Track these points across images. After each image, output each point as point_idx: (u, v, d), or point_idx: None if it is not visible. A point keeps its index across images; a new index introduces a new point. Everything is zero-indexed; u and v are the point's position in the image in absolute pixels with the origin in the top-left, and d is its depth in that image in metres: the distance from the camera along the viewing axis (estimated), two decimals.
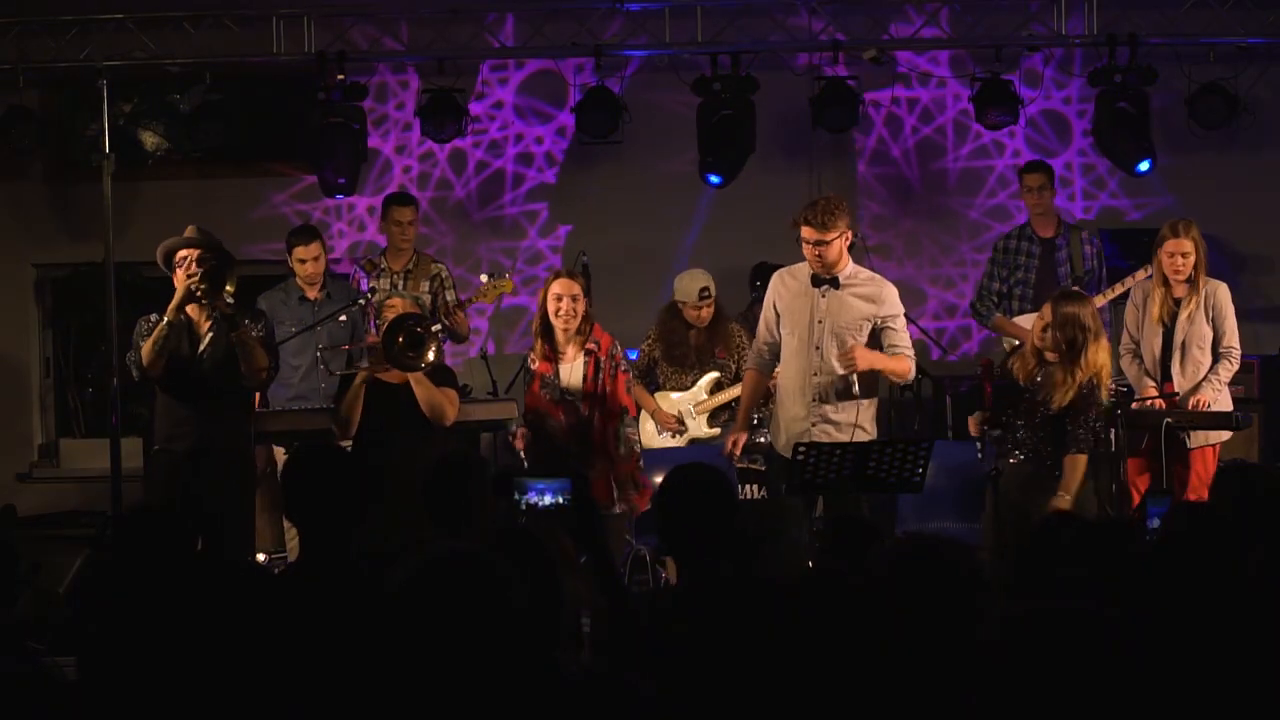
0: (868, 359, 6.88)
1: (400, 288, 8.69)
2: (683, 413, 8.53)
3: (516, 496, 4.70)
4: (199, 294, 6.96)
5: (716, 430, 8.61)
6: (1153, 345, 7.68)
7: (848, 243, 6.95)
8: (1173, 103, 9.44)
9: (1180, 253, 7.59)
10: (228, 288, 6.96)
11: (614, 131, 9.39)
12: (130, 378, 7.31)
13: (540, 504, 4.65)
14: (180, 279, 7.09)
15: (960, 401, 9.19)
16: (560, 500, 4.61)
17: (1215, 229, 9.69)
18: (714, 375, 8.56)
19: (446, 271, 8.96)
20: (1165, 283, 7.68)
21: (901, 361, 6.98)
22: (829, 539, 4.73)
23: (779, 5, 9.54)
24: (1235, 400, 8.30)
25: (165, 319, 6.98)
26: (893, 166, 10.17)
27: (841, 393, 6.96)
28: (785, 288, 7.10)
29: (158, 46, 9.35)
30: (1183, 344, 7.67)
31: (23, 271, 10.39)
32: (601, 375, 7.22)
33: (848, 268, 6.98)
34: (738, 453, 7.06)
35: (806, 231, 6.88)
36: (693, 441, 8.52)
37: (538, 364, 7.30)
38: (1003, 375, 6.97)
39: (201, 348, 7.10)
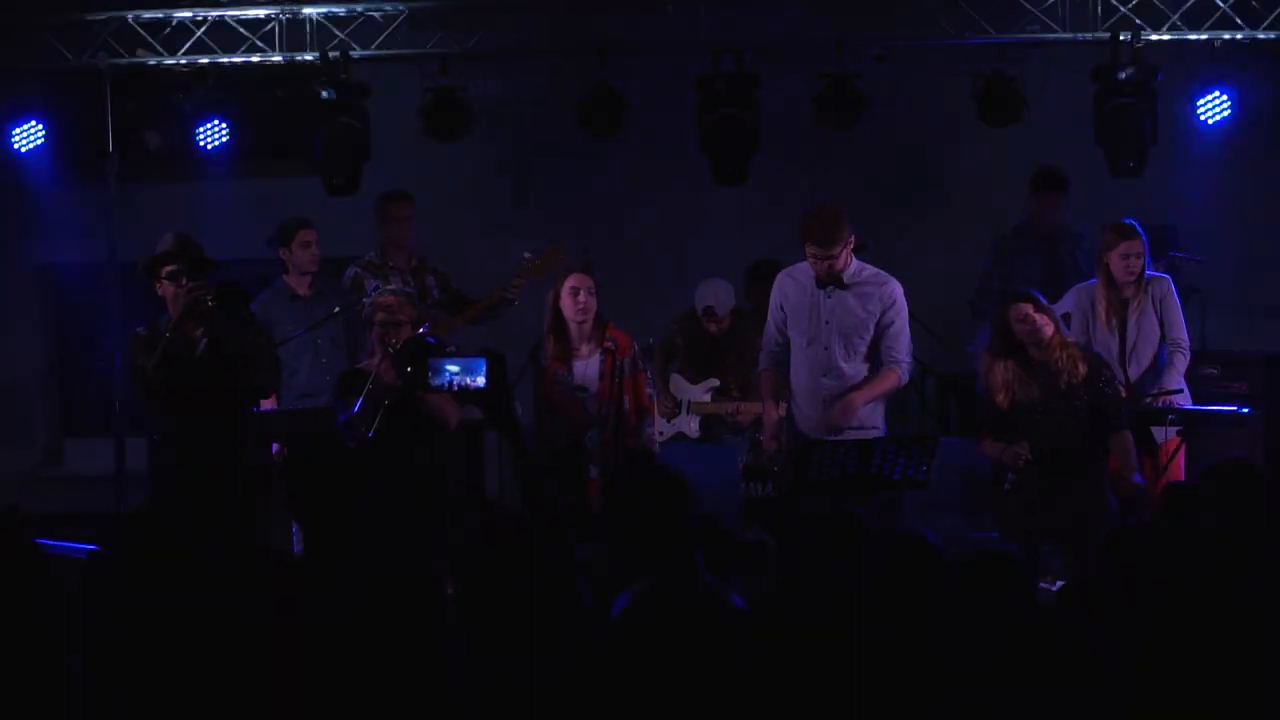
0: (850, 412, 6.90)
1: (408, 283, 8.70)
2: (681, 404, 8.48)
3: (433, 378, 4.67)
4: (216, 315, 6.92)
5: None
6: (1109, 348, 7.65)
7: (851, 247, 6.98)
8: (1174, 99, 9.44)
9: (1134, 254, 7.61)
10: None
11: (617, 129, 9.39)
12: (131, 382, 7.29)
13: (465, 384, 4.59)
14: (169, 291, 7.04)
15: (965, 400, 9.19)
16: (479, 380, 4.56)
17: (1217, 225, 9.71)
18: (716, 382, 8.52)
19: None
20: (1111, 284, 7.67)
21: (889, 378, 7.00)
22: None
23: (782, 2, 9.53)
24: (1238, 398, 8.29)
25: (168, 335, 6.93)
26: (897, 164, 10.17)
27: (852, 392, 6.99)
28: (791, 289, 7.13)
29: (161, 46, 9.34)
30: (1135, 345, 7.70)
31: (26, 272, 10.40)
32: (620, 375, 7.17)
33: (852, 265, 7.02)
34: (775, 445, 7.01)
35: (813, 249, 6.92)
36: (680, 438, 8.49)
37: (550, 363, 7.23)
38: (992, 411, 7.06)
39: (198, 350, 7.04)
